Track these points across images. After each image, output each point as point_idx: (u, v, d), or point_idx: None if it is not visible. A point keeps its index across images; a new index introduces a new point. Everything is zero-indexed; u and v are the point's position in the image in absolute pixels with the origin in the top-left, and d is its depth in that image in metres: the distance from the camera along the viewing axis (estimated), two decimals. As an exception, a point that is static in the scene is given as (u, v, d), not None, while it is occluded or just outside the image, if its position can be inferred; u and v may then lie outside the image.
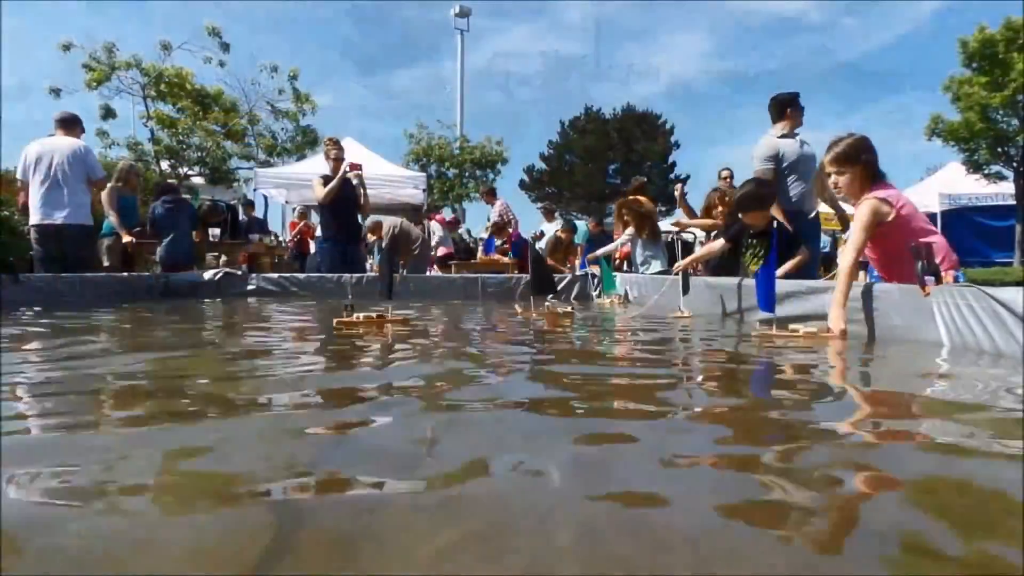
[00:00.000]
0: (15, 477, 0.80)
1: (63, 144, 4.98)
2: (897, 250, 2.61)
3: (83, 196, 5.07)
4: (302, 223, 10.31)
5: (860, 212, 2.63)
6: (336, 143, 5.96)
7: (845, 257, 2.61)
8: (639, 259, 5.73)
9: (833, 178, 2.79)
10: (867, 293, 2.61)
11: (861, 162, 2.71)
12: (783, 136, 4.22)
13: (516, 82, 70.64)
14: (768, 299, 2.78)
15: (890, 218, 2.61)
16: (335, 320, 2.96)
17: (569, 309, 3.81)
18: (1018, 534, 0.67)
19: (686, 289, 3.83)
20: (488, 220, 9.57)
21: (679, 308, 3.74)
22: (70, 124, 5.17)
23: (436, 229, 9.00)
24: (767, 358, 2.17)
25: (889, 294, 2.57)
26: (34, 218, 4.93)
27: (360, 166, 5.97)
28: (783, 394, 1.53)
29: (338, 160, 5.82)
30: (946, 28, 57.03)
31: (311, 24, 68.20)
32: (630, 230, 5.71)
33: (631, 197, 5.93)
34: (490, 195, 9.76)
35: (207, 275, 5.82)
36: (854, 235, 2.64)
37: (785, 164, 4.17)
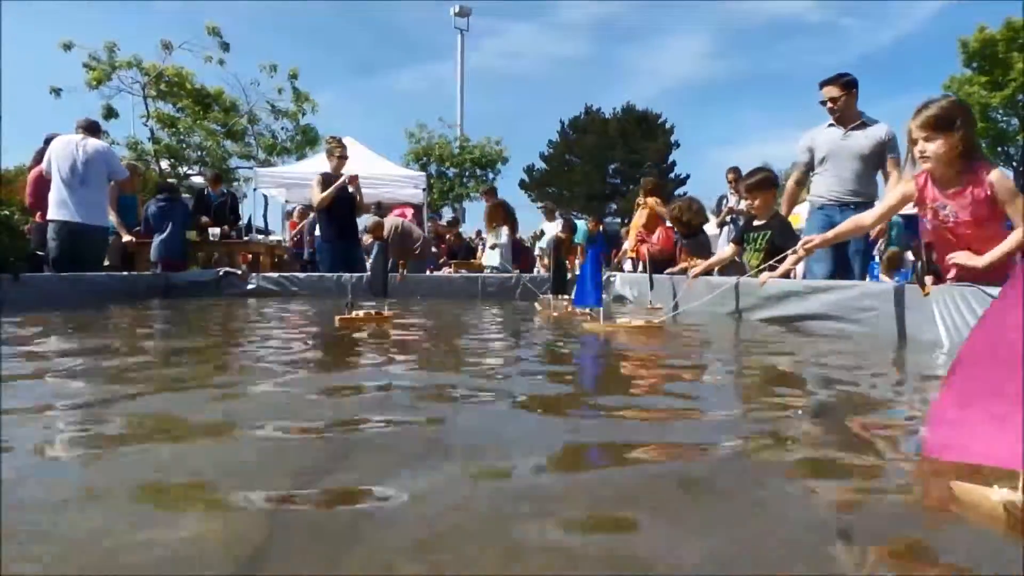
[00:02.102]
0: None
1: (90, 144, 4.99)
2: (992, 238, 2.37)
3: (103, 197, 5.10)
4: (302, 223, 10.30)
5: (1006, 182, 2.35)
6: (339, 142, 5.96)
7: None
8: (507, 257, 6.17)
9: (921, 145, 2.39)
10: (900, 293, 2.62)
11: (956, 129, 2.33)
12: (830, 125, 3.92)
13: (516, 81, 70.55)
14: (595, 292, 3.00)
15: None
16: (336, 317, 3.06)
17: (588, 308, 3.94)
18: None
19: (652, 285, 4.54)
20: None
21: (649, 302, 4.25)
22: (93, 130, 5.20)
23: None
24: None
25: (889, 294, 2.57)
26: (54, 214, 4.93)
27: (356, 177, 5.95)
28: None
29: (341, 158, 5.82)
30: (946, 28, 56.93)
31: (311, 23, 68.25)
32: (506, 230, 5.98)
33: (651, 197, 6.23)
34: (490, 195, 9.75)
35: (207, 274, 5.83)
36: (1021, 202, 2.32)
37: (819, 155, 3.91)
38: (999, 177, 2.35)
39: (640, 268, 6.41)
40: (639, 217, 6.72)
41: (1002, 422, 0.68)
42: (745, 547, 0.64)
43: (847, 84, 3.84)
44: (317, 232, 6.50)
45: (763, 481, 0.85)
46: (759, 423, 1.22)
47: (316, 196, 5.72)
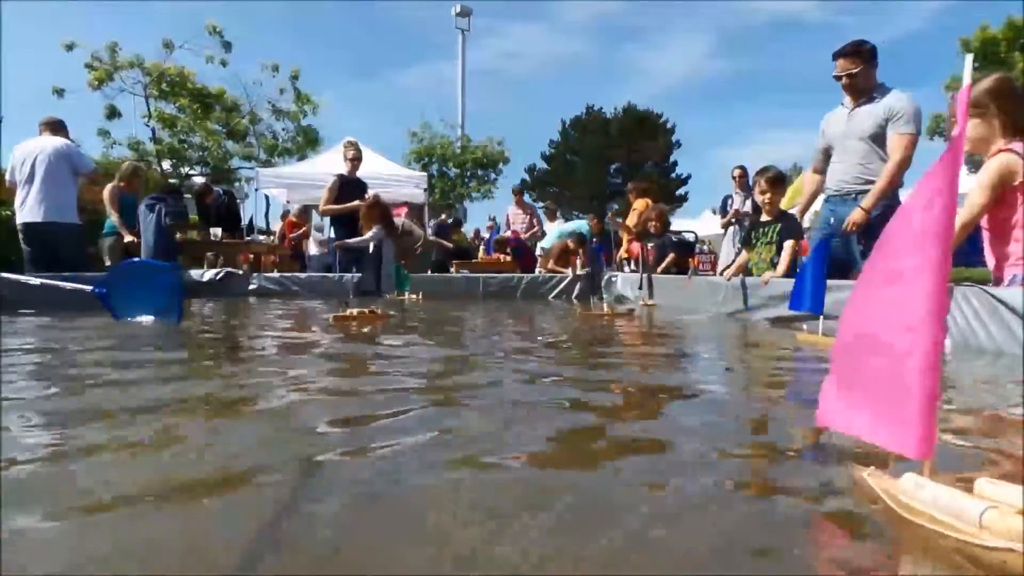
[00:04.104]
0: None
1: (47, 143, 4.92)
2: (1005, 226, 2.21)
3: (68, 195, 4.97)
4: (305, 227, 10.28)
5: (986, 167, 2.18)
6: (354, 145, 6.13)
7: (958, 217, 2.07)
8: (388, 254, 6.58)
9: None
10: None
11: (993, 110, 2.18)
12: (843, 104, 3.48)
13: (518, 81, 70.53)
14: (815, 297, 2.48)
15: (1016, 181, 2.13)
16: (332, 315, 3.16)
17: (630, 307, 4.02)
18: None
19: (644, 284, 5.14)
20: (507, 217, 9.60)
21: (643, 299, 4.62)
22: (56, 128, 5.10)
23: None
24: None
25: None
26: (20, 217, 4.92)
27: (377, 196, 6.14)
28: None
29: (353, 160, 5.94)
30: (947, 27, 56.79)
31: (312, 23, 68.25)
32: (376, 228, 6.29)
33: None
34: (519, 194, 9.79)
35: (208, 275, 5.84)
36: (974, 193, 2.17)
37: (829, 142, 3.55)
38: (992, 161, 2.17)
39: (632, 267, 6.47)
40: (631, 218, 6.83)
41: (856, 399, 0.76)
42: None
43: (866, 55, 3.29)
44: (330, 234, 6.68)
45: None
46: None
47: (324, 200, 5.83)
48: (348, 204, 5.73)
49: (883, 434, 0.71)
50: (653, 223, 5.94)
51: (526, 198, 9.64)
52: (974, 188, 2.21)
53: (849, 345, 0.78)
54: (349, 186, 5.82)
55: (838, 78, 3.35)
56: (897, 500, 0.69)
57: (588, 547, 0.62)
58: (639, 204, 6.81)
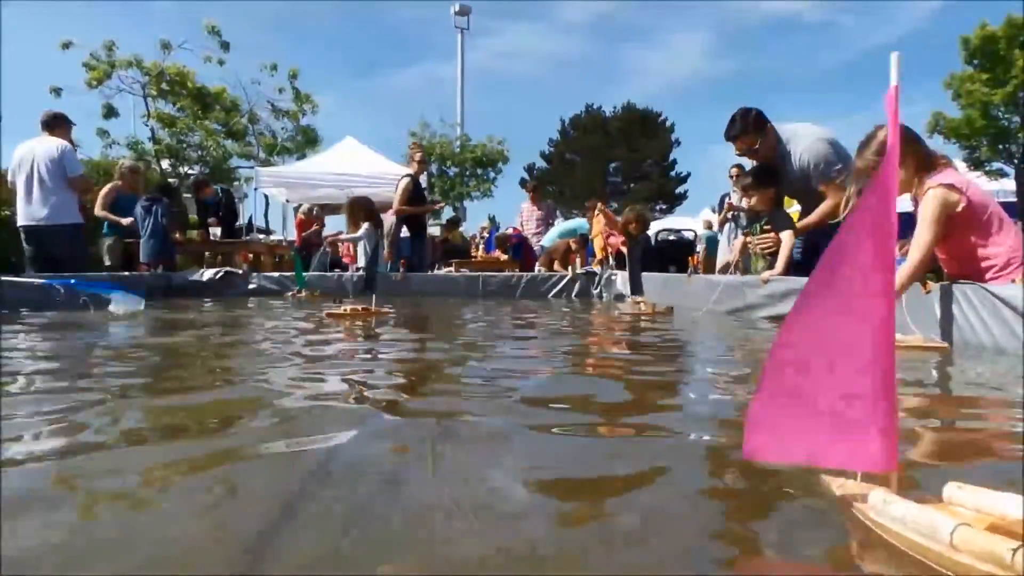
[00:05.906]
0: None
1: (42, 146, 4.93)
2: (966, 248, 2.33)
3: (65, 196, 4.95)
4: (315, 226, 10.24)
5: (925, 204, 2.27)
6: (420, 147, 6.62)
7: (911, 257, 2.26)
8: (368, 249, 6.68)
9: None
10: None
11: (905, 153, 2.29)
12: None
13: (517, 81, 70.46)
14: None
15: (960, 207, 2.25)
16: (326, 312, 3.24)
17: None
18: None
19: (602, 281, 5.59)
20: (521, 215, 9.52)
21: (631, 297, 4.66)
22: (50, 125, 5.08)
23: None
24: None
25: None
26: (19, 219, 4.95)
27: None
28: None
29: (420, 163, 6.47)
30: (947, 25, 56.71)
31: (311, 24, 68.17)
32: (367, 224, 6.39)
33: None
34: (536, 193, 9.73)
35: (207, 274, 5.84)
36: (922, 231, 2.25)
37: None
38: (929, 197, 2.25)
39: (612, 264, 6.48)
40: (597, 224, 6.99)
41: (801, 422, 0.68)
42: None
43: (754, 125, 3.32)
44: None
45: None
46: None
47: (399, 200, 6.23)
48: (422, 207, 6.34)
49: (840, 453, 0.67)
50: (632, 225, 6.12)
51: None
52: (920, 227, 2.26)
53: (788, 362, 0.70)
54: (416, 189, 6.29)
55: (742, 155, 3.50)
56: (868, 518, 0.67)
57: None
58: (602, 207, 7.06)
